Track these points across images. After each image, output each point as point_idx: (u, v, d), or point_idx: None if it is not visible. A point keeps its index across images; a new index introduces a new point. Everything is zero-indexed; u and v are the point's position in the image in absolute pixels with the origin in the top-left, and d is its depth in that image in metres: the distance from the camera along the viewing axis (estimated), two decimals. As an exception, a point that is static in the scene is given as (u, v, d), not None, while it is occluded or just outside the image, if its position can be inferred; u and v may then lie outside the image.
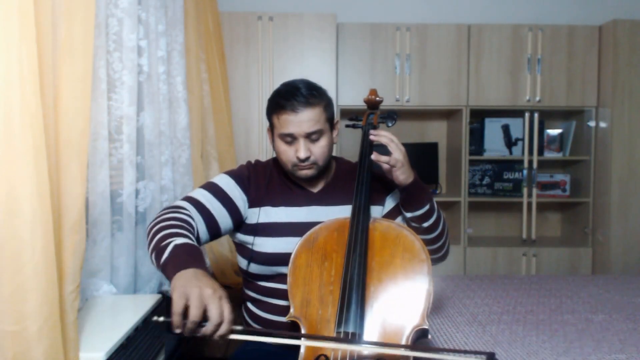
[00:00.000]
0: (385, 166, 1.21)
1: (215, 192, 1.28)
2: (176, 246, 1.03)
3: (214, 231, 1.26)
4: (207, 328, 0.88)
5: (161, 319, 0.90)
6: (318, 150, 1.24)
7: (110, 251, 1.52)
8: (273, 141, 1.30)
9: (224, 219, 1.27)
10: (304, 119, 1.20)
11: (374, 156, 1.21)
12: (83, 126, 1.08)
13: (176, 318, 0.86)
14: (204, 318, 0.88)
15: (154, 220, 1.16)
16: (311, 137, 1.23)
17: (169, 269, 0.97)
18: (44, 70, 0.97)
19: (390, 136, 1.22)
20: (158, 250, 1.05)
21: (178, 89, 2.00)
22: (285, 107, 1.21)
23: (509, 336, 1.47)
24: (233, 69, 2.73)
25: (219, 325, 0.88)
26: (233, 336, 0.90)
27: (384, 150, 1.22)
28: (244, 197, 1.31)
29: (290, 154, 1.24)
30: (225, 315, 0.88)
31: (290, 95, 1.21)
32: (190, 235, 1.11)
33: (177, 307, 0.86)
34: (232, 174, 1.34)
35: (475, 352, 0.93)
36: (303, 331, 1.05)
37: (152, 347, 1.41)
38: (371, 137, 1.26)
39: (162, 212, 1.20)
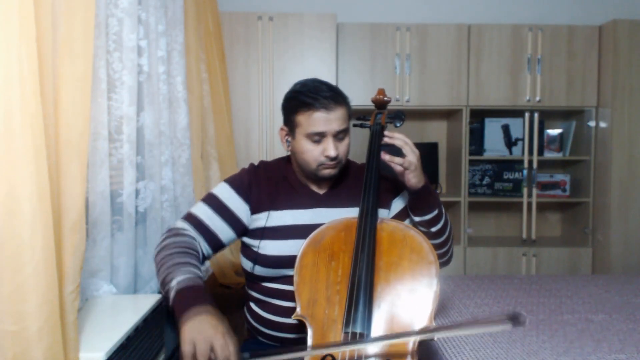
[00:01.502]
0: (398, 168, 1.19)
1: (215, 206, 1.28)
2: (178, 288, 1.06)
3: (217, 246, 1.28)
4: None
5: None
6: (343, 148, 1.24)
7: (110, 251, 1.52)
8: (291, 141, 1.27)
9: (225, 233, 1.28)
10: (334, 117, 1.20)
11: (388, 157, 1.19)
12: (83, 126, 1.08)
13: None
14: (210, 357, 0.94)
15: (158, 248, 1.19)
16: (339, 135, 1.22)
17: (176, 313, 1.03)
18: (44, 70, 0.97)
19: (404, 139, 1.20)
20: (165, 289, 1.09)
21: (178, 89, 2.00)
22: (315, 106, 1.19)
23: (509, 336, 1.47)
24: (233, 69, 2.73)
25: (227, 358, 0.94)
26: None
27: (394, 151, 1.20)
28: (246, 207, 1.30)
29: (316, 152, 1.22)
30: (230, 350, 0.95)
31: (315, 93, 1.20)
32: (194, 261, 1.15)
33: (186, 354, 0.94)
34: (233, 183, 1.32)
35: (497, 319, 0.85)
36: (310, 330, 1.05)
37: (152, 347, 1.41)
38: (385, 139, 1.23)
39: (165, 237, 1.22)
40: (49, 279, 0.94)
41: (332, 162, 1.23)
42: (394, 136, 1.22)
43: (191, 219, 1.27)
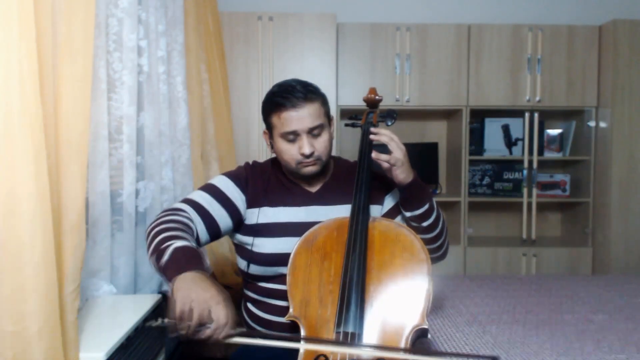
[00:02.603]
0: (385, 165, 1.21)
1: (214, 193, 1.28)
2: (176, 249, 1.03)
3: (214, 232, 1.27)
4: (208, 331, 0.90)
5: (157, 323, 0.92)
6: (321, 145, 1.25)
7: (110, 251, 1.52)
8: (272, 143, 1.29)
9: (223, 220, 1.27)
10: (305, 115, 1.21)
11: (374, 155, 1.21)
12: (83, 126, 1.08)
13: (178, 322, 0.89)
14: (204, 321, 0.90)
15: (152, 223, 1.17)
16: (313, 132, 1.23)
17: (169, 272, 0.99)
18: (44, 70, 0.97)
19: (390, 135, 1.22)
20: (158, 253, 1.05)
21: (178, 89, 2.00)
22: (285, 105, 1.20)
23: (509, 336, 1.47)
24: (233, 69, 2.73)
25: (221, 327, 0.90)
26: (231, 340, 0.93)
27: (384, 149, 1.21)
28: (243, 198, 1.31)
29: (293, 151, 1.24)
30: (228, 317, 0.91)
31: (287, 93, 1.21)
32: (190, 238, 1.12)
33: (179, 311, 0.89)
34: (230, 175, 1.34)
35: (479, 357, 0.92)
36: (302, 331, 1.05)
37: (152, 347, 1.41)
38: (371, 136, 1.25)
39: (161, 214, 1.20)
40: (49, 279, 0.94)
41: (309, 160, 1.23)
42: (380, 132, 1.23)
43: (190, 202, 1.26)
